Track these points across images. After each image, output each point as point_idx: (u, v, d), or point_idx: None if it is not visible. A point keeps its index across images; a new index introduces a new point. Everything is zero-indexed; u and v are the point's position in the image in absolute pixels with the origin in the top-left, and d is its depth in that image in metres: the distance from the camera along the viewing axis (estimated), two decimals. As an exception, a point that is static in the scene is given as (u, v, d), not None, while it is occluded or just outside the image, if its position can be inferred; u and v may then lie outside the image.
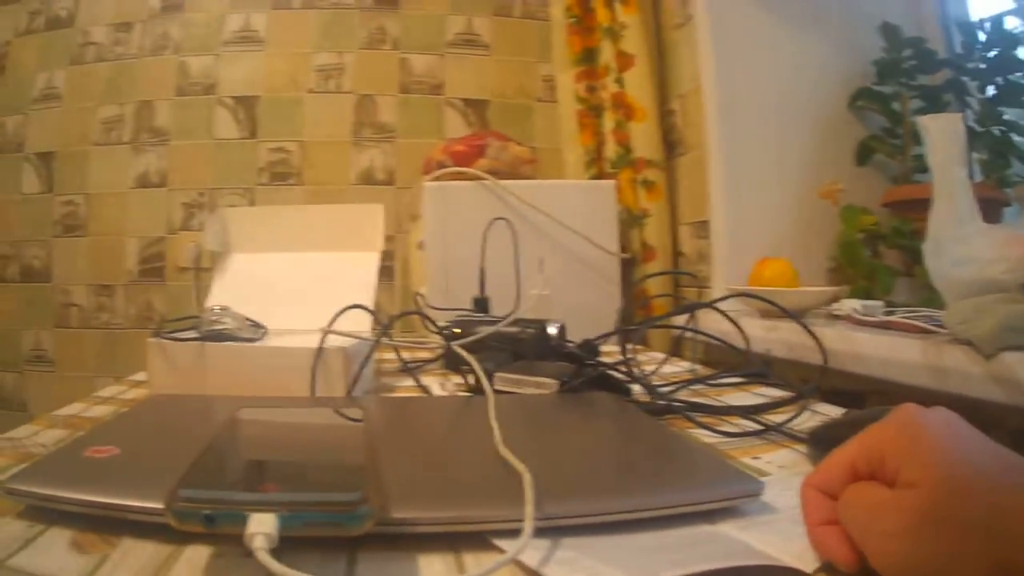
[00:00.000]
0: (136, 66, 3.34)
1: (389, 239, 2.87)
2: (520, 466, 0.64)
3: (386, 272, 2.99)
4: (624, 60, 2.61)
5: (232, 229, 1.59)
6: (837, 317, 1.68)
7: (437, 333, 1.37)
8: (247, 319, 1.25)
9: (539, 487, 0.60)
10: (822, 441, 0.82)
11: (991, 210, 1.79)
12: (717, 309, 1.49)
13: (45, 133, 3.33)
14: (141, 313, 3.28)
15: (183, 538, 0.56)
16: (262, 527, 0.48)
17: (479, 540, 0.57)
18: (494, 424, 0.80)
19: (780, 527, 0.61)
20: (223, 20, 3.36)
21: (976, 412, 1.16)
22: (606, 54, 2.69)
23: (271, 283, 1.49)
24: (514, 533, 0.54)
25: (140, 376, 1.40)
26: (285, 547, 0.49)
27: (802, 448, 0.88)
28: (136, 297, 3.30)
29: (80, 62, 3.35)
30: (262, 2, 3.37)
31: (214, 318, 1.23)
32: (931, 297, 1.52)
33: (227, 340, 1.21)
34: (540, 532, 0.56)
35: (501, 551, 0.55)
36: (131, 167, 3.31)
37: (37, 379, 3.33)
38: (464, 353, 1.22)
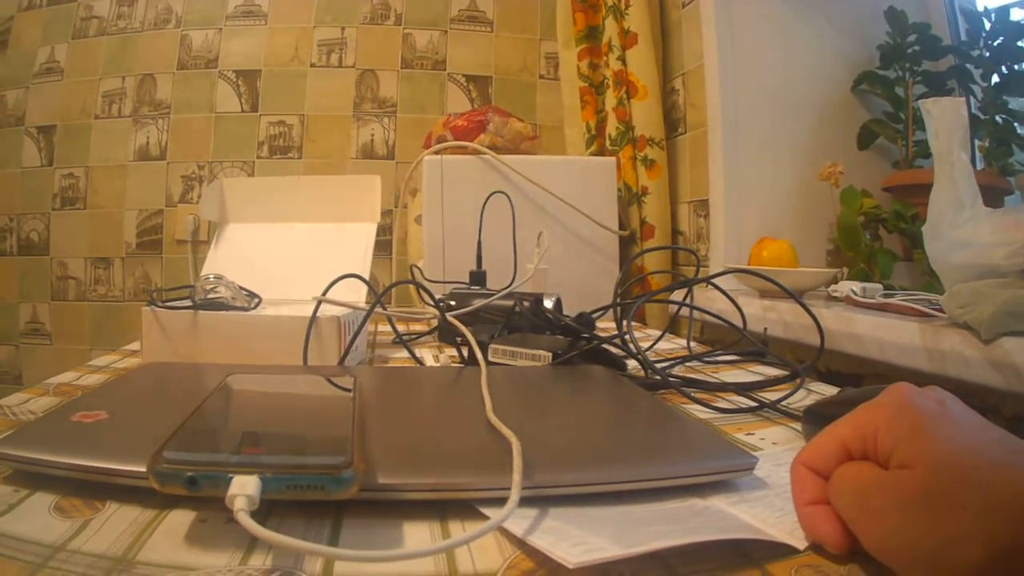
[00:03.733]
0: (138, 40, 3.34)
1: (388, 213, 2.87)
2: (509, 434, 0.63)
3: (384, 247, 2.99)
4: (628, 38, 2.60)
5: (229, 199, 1.58)
6: (835, 298, 1.68)
7: (432, 305, 1.37)
8: (241, 288, 1.25)
9: (528, 456, 0.59)
10: (818, 418, 0.81)
11: (993, 198, 1.79)
12: (715, 285, 1.48)
13: (46, 106, 3.34)
14: (138, 286, 3.29)
15: (168, 502, 0.56)
16: (244, 489, 0.48)
17: (466, 508, 0.57)
18: (486, 393, 0.79)
19: (772, 502, 0.61)
20: (226, -7, 3.35)
21: (974, 397, 1.16)
22: (610, 32, 2.68)
23: (267, 253, 1.49)
24: (502, 502, 0.52)
25: (135, 346, 1.39)
26: (270, 511, 0.49)
27: (796, 425, 0.87)
28: (133, 270, 3.30)
29: (82, 36, 3.35)
30: (266, -24, 3.36)
31: (209, 287, 1.22)
32: (930, 282, 1.52)
33: (221, 309, 1.20)
34: (528, 501, 0.55)
35: (487, 519, 0.55)
36: (131, 140, 3.31)
37: (33, 352, 3.34)
38: (457, 323, 1.22)
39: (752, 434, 0.85)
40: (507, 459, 0.58)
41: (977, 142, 1.92)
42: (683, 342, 1.59)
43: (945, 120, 1.39)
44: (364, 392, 0.81)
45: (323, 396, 0.82)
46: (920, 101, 1.55)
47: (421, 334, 1.59)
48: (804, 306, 1.26)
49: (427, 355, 1.37)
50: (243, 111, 3.31)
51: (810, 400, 1.01)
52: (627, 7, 2.61)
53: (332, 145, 3.32)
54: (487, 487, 0.58)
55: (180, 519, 0.55)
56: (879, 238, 1.97)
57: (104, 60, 3.33)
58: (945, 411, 0.51)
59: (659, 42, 2.67)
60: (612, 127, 2.66)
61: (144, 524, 0.54)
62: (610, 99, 2.68)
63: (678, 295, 1.58)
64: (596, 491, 0.60)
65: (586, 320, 1.36)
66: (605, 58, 2.75)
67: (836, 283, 1.73)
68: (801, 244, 1.93)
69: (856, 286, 1.62)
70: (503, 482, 0.55)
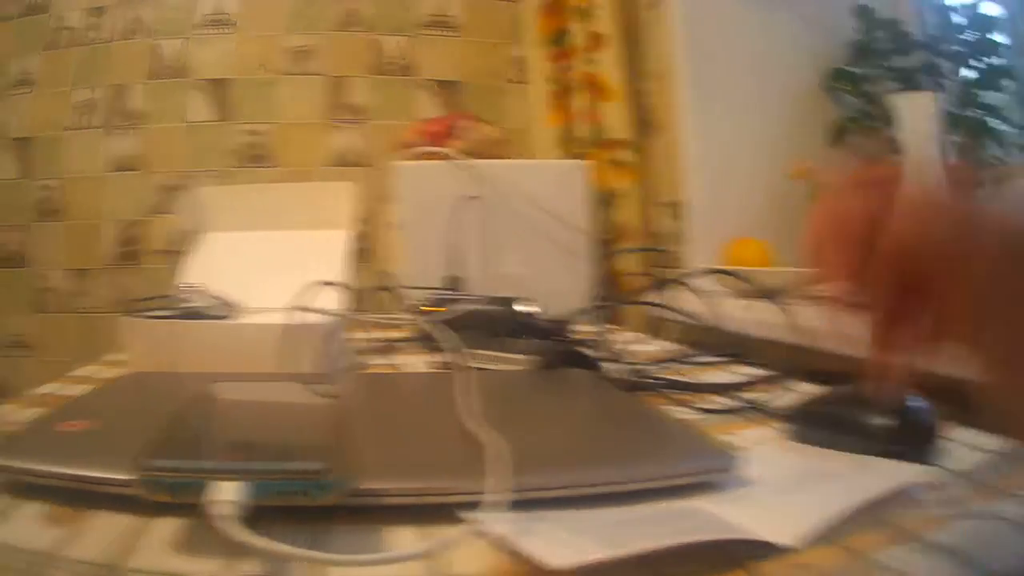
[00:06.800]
0: (109, 50, 3.31)
1: (362, 220, 2.88)
2: (488, 438, 0.64)
3: (360, 254, 2.98)
4: (596, 40, 2.61)
5: (206, 208, 1.58)
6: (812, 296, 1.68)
7: (408, 311, 1.37)
8: (217, 297, 1.25)
9: (508, 459, 0.59)
10: (800, 415, 0.82)
11: (967, 193, 1.80)
12: (688, 286, 1.48)
13: (21, 118, 3.31)
14: (118, 297, 3.26)
15: (155, 510, 0.56)
16: (227, 495, 0.49)
17: (448, 512, 0.57)
18: (465, 398, 0.80)
19: (755, 501, 0.61)
20: (195, 3, 3.34)
21: (960, 392, 1.16)
22: (578, 34, 2.69)
23: (244, 261, 1.48)
24: (481, 505, 0.53)
25: (117, 356, 1.39)
26: (256, 517, 0.49)
27: (778, 425, 0.87)
28: (113, 281, 3.27)
29: (55, 47, 3.32)
30: (235, -17, 3.35)
31: (185, 296, 1.22)
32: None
33: (198, 318, 1.20)
34: (510, 504, 0.55)
35: (471, 523, 0.55)
36: (106, 151, 3.28)
37: (16, 365, 3.31)
38: (434, 329, 1.22)
39: (734, 434, 0.85)
40: (489, 463, 0.59)
41: (952, 137, 1.93)
42: (661, 344, 1.59)
43: (914, 114, 1.40)
44: (345, 398, 0.81)
45: (304, 403, 0.82)
46: (889, 96, 1.56)
47: (399, 340, 1.58)
48: (779, 304, 1.27)
49: (406, 360, 1.37)
50: (215, 120, 3.30)
51: (791, 399, 1.01)
52: (595, 9, 2.62)
53: (305, 153, 3.31)
54: (469, 491, 0.57)
55: (169, 526, 0.55)
56: (852, 234, 1.98)
57: (76, 71, 3.31)
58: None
59: (628, 43, 2.67)
60: (581, 130, 2.67)
61: (133, 531, 0.54)
62: (579, 102, 2.69)
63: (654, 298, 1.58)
64: (577, 494, 0.60)
65: (563, 324, 1.36)
66: (574, 61, 2.75)
67: (812, 280, 1.73)
68: (776, 242, 1.93)
69: (832, 283, 1.62)
70: (484, 486, 0.56)
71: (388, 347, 1.47)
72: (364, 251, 2.55)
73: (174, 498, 0.51)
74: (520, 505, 0.56)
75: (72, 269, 3.28)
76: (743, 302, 1.70)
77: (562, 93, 2.84)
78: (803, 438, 0.80)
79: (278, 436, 0.67)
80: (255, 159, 3.27)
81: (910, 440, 0.73)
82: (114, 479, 0.58)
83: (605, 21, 2.60)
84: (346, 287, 1.35)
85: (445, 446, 0.71)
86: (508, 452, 0.61)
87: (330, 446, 0.57)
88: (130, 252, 3.26)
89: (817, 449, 0.77)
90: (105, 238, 3.27)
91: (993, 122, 1.93)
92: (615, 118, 2.57)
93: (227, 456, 0.56)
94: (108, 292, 3.26)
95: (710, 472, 0.66)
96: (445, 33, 3.40)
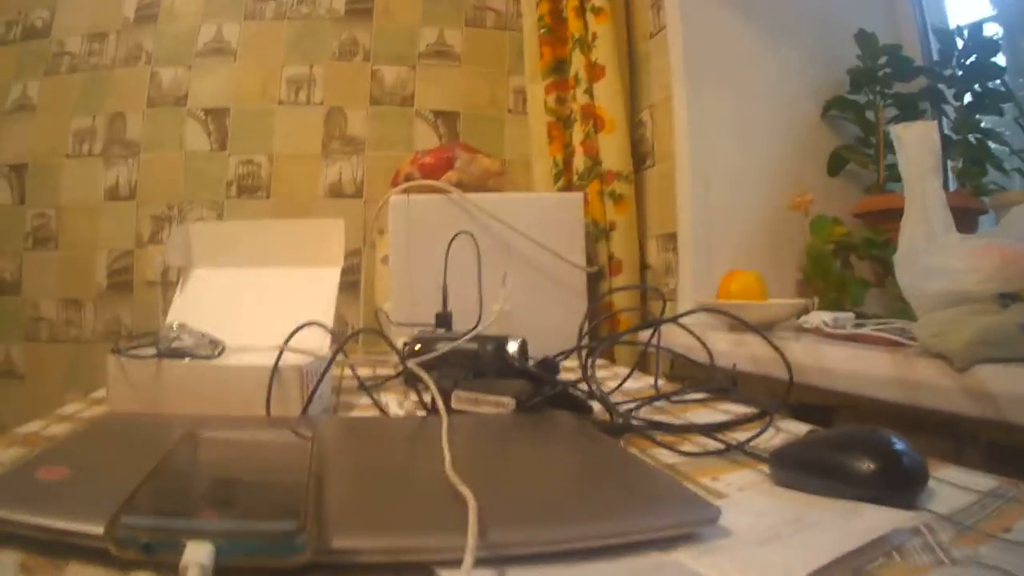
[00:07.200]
0: (109, 77, 3.32)
1: (356, 253, 2.86)
2: (466, 493, 0.63)
3: (352, 286, 2.97)
4: (595, 71, 2.61)
5: (194, 244, 1.58)
6: (806, 330, 1.68)
7: (395, 351, 1.36)
8: (205, 335, 1.25)
9: (486, 515, 0.58)
10: (784, 460, 0.81)
11: (966, 219, 1.80)
12: (681, 325, 1.48)
13: (18, 144, 3.31)
14: (109, 328, 3.26)
15: (128, 565, 0.55)
16: (197, 557, 0.49)
17: (425, 572, 0.56)
18: (445, 447, 0.78)
19: (736, 554, 0.60)
20: (195, 30, 3.35)
21: (950, 426, 1.16)
22: (577, 65, 2.69)
23: (231, 299, 1.48)
24: (460, 563, 0.52)
25: (101, 393, 1.39)
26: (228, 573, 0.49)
27: (764, 469, 0.86)
28: (104, 311, 3.27)
29: (55, 72, 3.33)
30: (234, 12, 3.37)
31: (173, 335, 1.22)
32: (903, 308, 1.51)
33: (185, 357, 1.20)
34: (486, 562, 0.55)
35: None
36: (102, 180, 3.28)
37: (6, 395, 3.30)
38: (420, 371, 1.21)
39: (718, 479, 0.84)
40: (466, 518, 0.58)
41: (950, 163, 1.93)
42: (652, 380, 1.59)
43: (916, 146, 1.40)
44: (324, 446, 0.81)
45: (282, 453, 0.83)
46: (891, 127, 1.56)
47: (386, 379, 1.58)
48: (770, 342, 1.26)
49: (392, 401, 1.37)
50: (212, 149, 3.30)
51: (779, 439, 1.00)
52: (594, 39, 2.62)
53: (300, 184, 3.30)
54: (445, 548, 0.56)
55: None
56: (850, 265, 1.98)
57: (75, 97, 3.31)
58: None
59: (627, 74, 2.69)
60: (580, 161, 2.66)
61: (107, 587, 0.54)
62: (577, 133, 2.69)
63: (646, 334, 1.58)
64: (558, 549, 0.60)
65: (550, 364, 1.36)
66: (572, 91, 2.76)
67: (807, 313, 1.73)
68: (772, 275, 1.92)
69: (827, 316, 1.62)
70: (461, 543, 0.54)
71: (374, 385, 1.46)
72: (358, 284, 2.54)
73: (146, 557, 0.51)
74: (497, 562, 0.56)
75: (64, 299, 3.28)
76: (735, 336, 1.70)
77: (560, 124, 2.84)
78: (787, 482, 0.79)
79: (253, 491, 0.66)
80: (250, 190, 3.27)
81: (895, 484, 0.72)
82: (89, 533, 0.57)
83: (604, 51, 2.60)
84: (332, 330, 1.34)
85: (424, 500, 0.70)
86: (488, 507, 0.60)
87: (301, 505, 0.56)
88: (122, 283, 3.26)
89: (802, 495, 0.76)
90: (98, 268, 3.28)
91: (994, 147, 1.93)
92: (612, 150, 2.57)
93: (201, 511, 0.56)
94: (99, 323, 3.25)
95: (693, 525, 0.65)
96: (445, 63, 3.40)
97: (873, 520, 0.66)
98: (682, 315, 1.56)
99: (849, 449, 0.76)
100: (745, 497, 0.77)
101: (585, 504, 0.70)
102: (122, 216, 3.26)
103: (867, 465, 0.73)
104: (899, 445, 0.75)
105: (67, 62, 3.33)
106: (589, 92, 2.63)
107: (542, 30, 2.88)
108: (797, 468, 0.79)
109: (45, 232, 3.28)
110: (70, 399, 1.35)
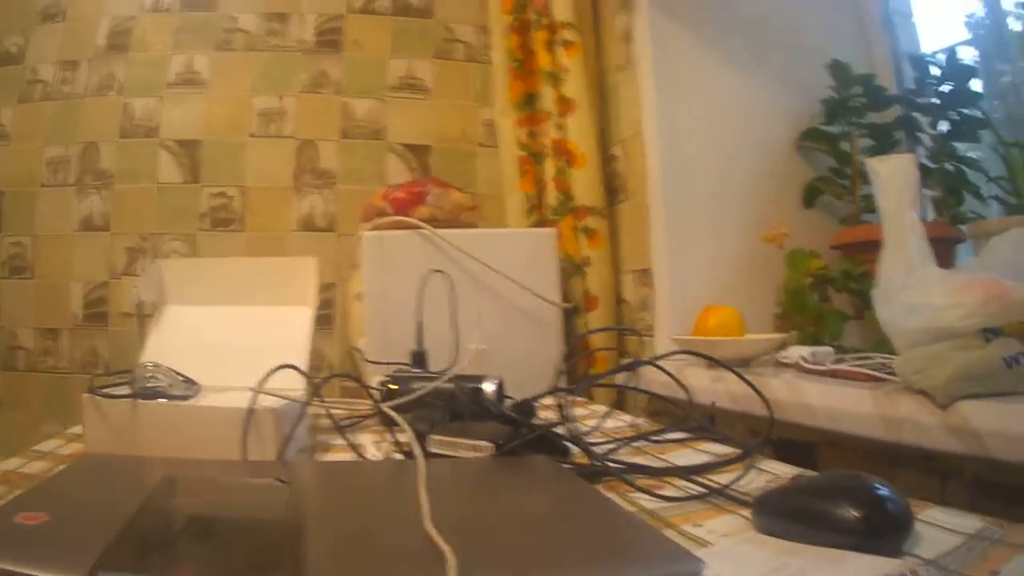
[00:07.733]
0: (81, 106, 3.30)
1: (329, 287, 2.84)
2: (445, 548, 0.61)
3: (325, 320, 2.96)
4: (565, 104, 2.60)
5: (167, 281, 1.58)
6: (785, 365, 1.66)
7: (370, 394, 1.35)
8: (179, 375, 1.24)
9: (465, 570, 0.57)
10: (767, 507, 0.79)
11: (944, 248, 1.79)
12: (658, 367, 1.46)
13: (-7, 171, 3.28)
14: (86, 358, 3.23)
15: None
16: None
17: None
18: (423, 497, 0.78)
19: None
20: (166, 60, 3.34)
21: (934, 461, 1.14)
22: (547, 99, 2.69)
23: (205, 337, 1.49)
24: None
25: (78, 429, 1.36)
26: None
27: (746, 513, 0.84)
28: (81, 342, 3.25)
29: (28, 100, 3.31)
30: (205, 43, 3.36)
31: (148, 374, 1.22)
32: (882, 340, 1.50)
33: (160, 397, 1.20)
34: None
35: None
36: (76, 210, 3.26)
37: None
38: (396, 416, 1.20)
39: (700, 525, 0.82)
40: (444, 571, 0.57)
41: (927, 191, 1.92)
42: (630, 418, 1.57)
43: (893, 180, 1.39)
44: (300, 497, 0.82)
45: (258, 503, 0.83)
46: (867, 160, 1.55)
47: (363, 417, 1.56)
48: (747, 381, 1.25)
49: (368, 442, 1.35)
50: (185, 181, 3.28)
51: (760, 481, 0.99)
52: (564, 73, 2.62)
53: (273, 217, 3.28)
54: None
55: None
56: (828, 298, 1.97)
57: (49, 126, 3.29)
58: None
59: (597, 108, 2.68)
60: (552, 197, 2.66)
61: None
62: (549, 168, 2.69)
63: (623, 375, 1.56)
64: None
65: (527, 407, 1.34)
66: (543, 126, 2.75)
67: (786, 348, 1.71)
68: (749, 309, 1.91)
69: (806, 351, 1.60)
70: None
71: (350, 425, 1.45)
72: (331, 318, 2.52)
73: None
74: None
75: (41, 328, 3.25)
76: (714, 373, 1.68)
77: (532, 159, 2.83)
78: (770, 530, 0.77)
79: (230, 548, 0.66)
80: (223, 223, 3.24)
81: (880, 532, 0.71)
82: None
83: (575, 85, 2.59)
84: (307, 369, 1.33)
85: (403, 556, 0.69)
86: (467, 562, 0.59)
87: (283, 562, 0.55)
88: (98, 314, 3.23)
89: (785, 542, 0.74)
90: (74, 298, 3.25)
91: (971, 174, 1.92)
92: (585, 185, 2.56)
93: (174, 570, 0.57)
94: (76, 353, 3.23)
95: (675, 576, 0.63)
96: (415, 96, 3.39)
97: (859, 568, 0.65)
98: (660, 357, 1.54)
99: (833, 496, 0.75)
100: (728, 544, 0.75)
101: (566, 557, 0.69)
102: (96, 247, 3.24)
103: (851, 513, 0.72)
104: (883, 491, 0.74)
105: (40, 89, 3.31)
106: (560, 127, 2.62)
107: (512, 64, 2.87)
108: (781, 516, 0.77)
109: (21, 261, 3.26)
110: (48, 430, 1.37)
